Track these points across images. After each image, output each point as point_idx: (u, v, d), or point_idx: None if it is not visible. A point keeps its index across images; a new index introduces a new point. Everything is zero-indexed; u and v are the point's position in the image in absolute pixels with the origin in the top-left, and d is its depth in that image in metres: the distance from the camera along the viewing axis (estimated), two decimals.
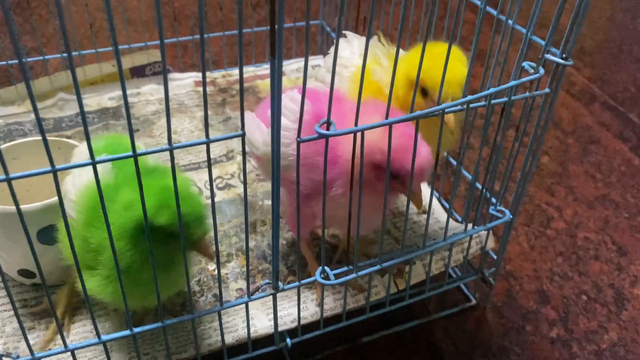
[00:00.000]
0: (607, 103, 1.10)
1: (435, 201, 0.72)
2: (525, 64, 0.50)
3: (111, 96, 0.87)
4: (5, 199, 0.54)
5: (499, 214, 0.58)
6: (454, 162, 0.71)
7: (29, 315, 0.57)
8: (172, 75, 0.92)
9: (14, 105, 0.84)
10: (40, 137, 0.63)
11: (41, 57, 0.86)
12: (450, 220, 0.67)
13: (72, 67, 0.33)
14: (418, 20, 0.71)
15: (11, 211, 0.53)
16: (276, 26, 0.37)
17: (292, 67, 0.97)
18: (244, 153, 0.42)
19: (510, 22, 0.51)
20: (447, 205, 0.73)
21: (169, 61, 0.92)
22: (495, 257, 0.66)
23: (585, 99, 1.11)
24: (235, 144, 0.79)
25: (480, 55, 0.55)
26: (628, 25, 1.40)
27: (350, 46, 0.62)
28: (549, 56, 0.49)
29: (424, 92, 0.53)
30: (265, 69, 0.96)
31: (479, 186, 0.60)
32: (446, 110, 0.46)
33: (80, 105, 0.35)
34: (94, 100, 0.86)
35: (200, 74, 0.93)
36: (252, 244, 0.65)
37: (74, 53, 0.86)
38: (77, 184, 0.50)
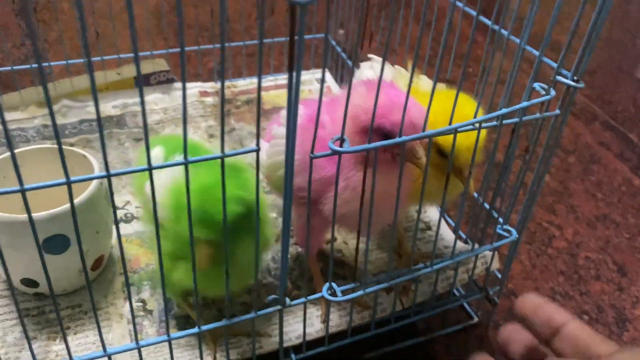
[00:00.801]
0: (608, 123, 1.11)
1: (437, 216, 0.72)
2: (536, 85, 0.50)
3: (115, 104, 0.87)
4: (9, 207, 0.53)
5: (505, 233, 0.58)
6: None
7: (30, 324, 0.56)
8: (177, 85, 0.91)
9: (17, 111, 0.84)
10: (44, 145, 0.64)
11: (63, 62, 0.85)
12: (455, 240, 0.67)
13: (92, 73, 0.33)
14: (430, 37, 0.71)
15: (16, 220, 0.53)
16: (295, 37, 0.37)
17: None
18: (257, 168, 0.42)
19: (517, 41, 0.51)
20: (451, 222, 0.73)
21: (173, 70, 0.92)
22: (499, 275, 0.66)
23: (586, 118, 1.12)
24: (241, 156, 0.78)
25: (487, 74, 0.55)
26: (628, 45, 1.41)
27: (374, 71, 0.62)
28: (560, 78, 0.49)
29: (441, 152, 0.53)
30: (269, 80, 0.96)
31: (486, 205, 0.60)
32: (458, 129, 0.46)
33: (97, 110, 0.34)
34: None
35: (205, 84, 0.93)
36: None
37: (81, 60, 0.86)
38: (158, 187, 0.50)
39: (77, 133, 0.82)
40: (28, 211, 0.37)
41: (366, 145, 0.44)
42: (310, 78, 0.98)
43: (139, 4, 1.04)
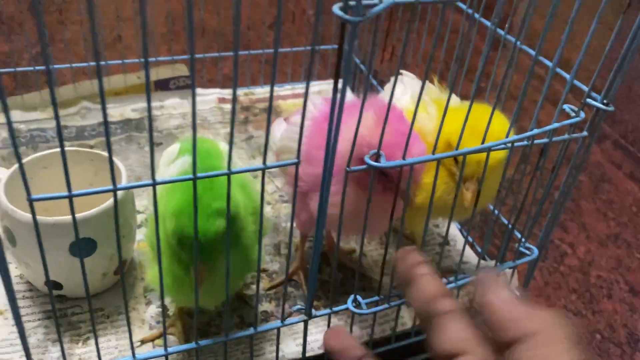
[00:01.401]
0: (618, 142, 1.12)
1: (455, 231, 0.72)
2: (566, 106, 0.51)
3: (134, 107, 0.87)
4: (42, 211, 0.54)
5: (527, 251, 0.59)
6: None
7: (53, 327, 0.56)
8: (196, 91, 0.92)
9: (36, 111, 0.84)
10: (71, 148, 0.64)
11: (68, 65, 0.85)
12: (473, 254, 0.67)
13: (100, 76, 0.33)
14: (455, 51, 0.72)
15: (44, 222, 0.53)
16: (344, 47, 0.37)
17: (313, 89, 0.98)
18: (296, 183, 0.43)
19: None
20: (469, 238, 0.73)
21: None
22: (517, 293, 0.66)
23: (597, 136, 1.13)
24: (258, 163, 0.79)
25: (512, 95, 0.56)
26: (638, 65, 1.42)
27: (404, 85, 0.63)
28: (590, 101, 0.50)
29: (456, 159, 0.54)
30: (286, 89, 0.96)
31: (504, 220, 0.61)
32: (492, 148, 0.47)
33: (104, 115, 0.35)
34: (117, 111, 0.86)
35: (223, 91, 0.93)
36: (276, 266, 0.65)
37: (101, 63, 0.86)
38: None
39: (97, 135, 0.83)
40: (73, 215, 0.38)
41: (400, 162, 0.45)
42: (327, 88, 0.98)
43: (159, 8, 1.05)
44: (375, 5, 0.36)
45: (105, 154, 0.62)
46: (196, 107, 0.89)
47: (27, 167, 0.59)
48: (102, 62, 0.86)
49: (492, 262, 0.59)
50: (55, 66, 0.87)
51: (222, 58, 0.91)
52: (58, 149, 0.62)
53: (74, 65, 0.85)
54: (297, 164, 0.41)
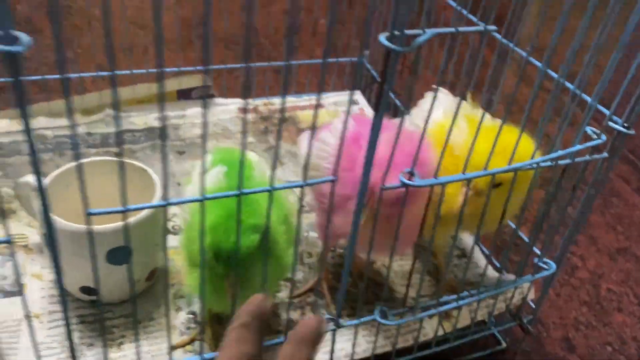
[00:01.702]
0: (626, 157, 1.14)
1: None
2: (588, 129, 0.53)
3: (157, 116, 0.89)
4: (72, 216, 0.55)
5: (545, 266, 0.61)
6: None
7: (86, 331, 0.58)
8: (217, 101, 0.94)
9: (62, 118, 0.86)
10: (105, 158, 0.66)
11: (82, 74, 0.87)
12: (489, 267, 0.69)
13: (115, 85, 0.34)
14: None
15: (80, 230, 0.55)
16: (385, 85, 0.39)
17: (330, 100, 1.00)
18: (331, 198, 0.45)
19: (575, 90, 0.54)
20: (485, 251, 0.75)
21: (214, 86, 0.95)
22: (532, 305, 0.68)
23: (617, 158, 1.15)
24: (283, 174, 0.81)
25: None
26: None
27: (443, 108, 0.65)
28: (612, 125, 0.52)
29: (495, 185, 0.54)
30: (305, 100, 0.98)
31: (521, 235, 0.63)
32: (520, 169, 0.49)
33: (117, 120, 0.37)
34: (141, 119, 0.88)
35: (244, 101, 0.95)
36: (299, 275, 0.67)
37: (128, 71, 0.88)
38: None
39: (121, 143, 0.84)
40: (125, 226, 0.40)
41: (433, 180, 0.47)
42: (344, 99, 1.00)
43: (186, 16, 1.07)
44: (419, 35, 0.38)
45: (135, 162, 0.64)
46: (215, 116, 0.91)
47: (63, 178, 0.61)
48: (122, 72, 0.88)
49: (512, 276, 0.61)
50: (71, 75, 0.89)
51: (241, 68, 0.93)
52: (90, 159, 0.65)
53: (89, 74, 0.87)
54: (333, 181, 0.43)
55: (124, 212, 0.38)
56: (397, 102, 0.92)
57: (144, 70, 0.88)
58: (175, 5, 0.95)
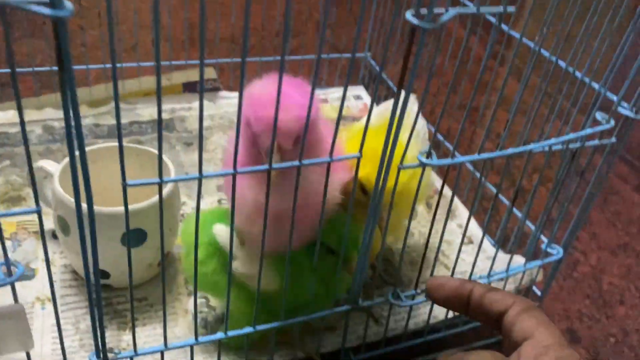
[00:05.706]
0: (624, 157, 1.16)
1: (477, 231, 0.75)
2: (597, 114, 0.54)
3: (163, 109, 0.90)
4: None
5: (552, 251, 0.62)
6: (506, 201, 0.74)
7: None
8: (222, 94, 0.95)
9: None
10: (116, 144, 0.66)
11: (136, 64, 0.87)
12: (496, 250, 0.70)
13: (115, 79, 0.34)
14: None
15: (100, 213, 0.55)
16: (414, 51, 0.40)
17: (334, 95, 1.01)
18: (353, 195, 0.45)
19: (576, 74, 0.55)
20: (490, 240, 0.76)
21: (220, 79, 0.95)
22: (538, 293, 0.69)
23: (603, 150, 1.17)
24: None
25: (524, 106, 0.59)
26: None
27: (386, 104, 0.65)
28: (622, 110, 0.53)
29: (364, 190, 0.54)
30: None
31: (528, 223, 0.64)
32: (533, 150, 0.50)
33: (117, 115, 0.37)
34: (147, 111, 0.89)
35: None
36: None
37: (141, 64, 0.88)
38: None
39: (128, 134, 0.85)
40: (125, 205, 0.41)
41: (449, 160, 0.48)
42: (348, 94, 1.01)
43: (194, 13, 1.07)
44: (442, 14, 0.39)
45: (151, 149, 0.64)
46: (221, 109, 0.91)
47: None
48: (129, 64, 0.88)
49: (522, 259, 0.62)
50: (75, 67, 0.89)
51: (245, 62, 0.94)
52: (103, 145, 0.65)
53: (96, 66, 0.88)
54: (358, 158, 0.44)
55: (160, 184, 0.39)
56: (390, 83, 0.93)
57: (150, 63, 0.89)
58: (182, 8, 0.95)
